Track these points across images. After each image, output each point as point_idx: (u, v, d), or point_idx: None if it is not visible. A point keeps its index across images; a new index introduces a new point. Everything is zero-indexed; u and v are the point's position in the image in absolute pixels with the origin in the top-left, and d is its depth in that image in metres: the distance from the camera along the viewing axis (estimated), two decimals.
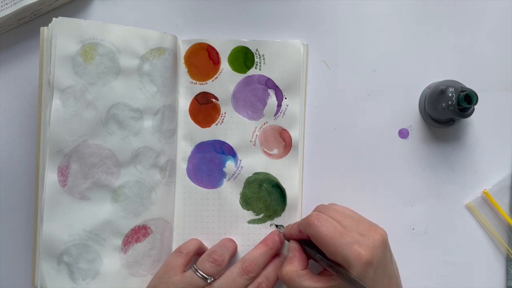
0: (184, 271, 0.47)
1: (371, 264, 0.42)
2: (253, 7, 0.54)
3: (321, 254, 0.45)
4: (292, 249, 0.47)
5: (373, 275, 0.42)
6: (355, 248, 0.42)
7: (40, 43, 0.48)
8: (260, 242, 0.50)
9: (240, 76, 0.53)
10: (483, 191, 0.53)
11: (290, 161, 0.52)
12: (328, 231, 0.43)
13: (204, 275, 0.46)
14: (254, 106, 0.53)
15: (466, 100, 0.48)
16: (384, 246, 0.44)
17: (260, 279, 0.47)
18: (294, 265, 0.46)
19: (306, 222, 0.45)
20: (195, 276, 0.46)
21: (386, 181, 0.53)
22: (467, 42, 0.54)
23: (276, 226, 0.51)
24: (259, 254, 0.48)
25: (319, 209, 0.49)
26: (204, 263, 0.47)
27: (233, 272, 0.47)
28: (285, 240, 0.50)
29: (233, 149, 0.52)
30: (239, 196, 0.52)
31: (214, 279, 0.46)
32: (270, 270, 0.49)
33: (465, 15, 0.54)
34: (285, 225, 0.51)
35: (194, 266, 0.47)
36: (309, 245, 0.46)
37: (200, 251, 0.50)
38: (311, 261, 0.47)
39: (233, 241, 0.51)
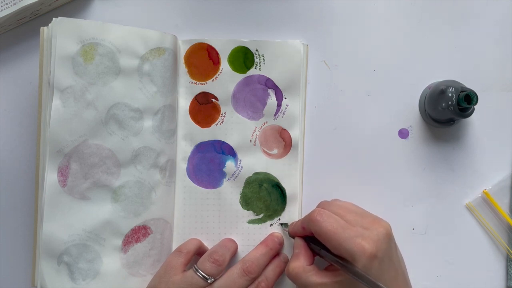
0: (185, 270, 0.47)
1: (376, 257, 0.42)
2: (253, 7, 0.54)
3: (326, 250, 0.45)
4: (298, 245, 0.48)
5: (379, 268, 0.42)
6: (358, 242, 0.42)
7: (40, 43, 0.48)
8: (260, 243, 0.50)
9: (240, 76, 0.53)
10: (483, 191, 0.53)
11: (290, 161, 0.52)
12: (331, 226, 0.43)
13: (205, 275, 0.46)
14: (254, 106, 0.53)
15: (466, 100, 0.48)
16: (389, 238, 0.44)
17: (262, 284, 0.47)
18: (300, 261, 0.46)
19: (308, 218, 0.45)
20: (196, 276, 0.46)
21: (386, 181, 0.53)
22: (467, 42, 0.54)
23: (281, 224, 0.51)
24: (260, 254, 0.48)
25: (322, 205, 0.49)
26: (205, 263, 0.47)
27: (234, 272, 0.47)
28: (290, 238, 0.50)
29: (233, 149, 0.52)
30: (239, 196, 0.52)
31: (215, 280, 0.46)
32: (269, 270, 0.49)
33: (465, 15, 0.54)
34: (289, 223, 0.51)
35: (195, 266, 0.47)
36: (314, 241, 0.47)
37: (200, 251, 0.50)
38: (317, 258, 0.47)
39: (234, 241, 0.51)
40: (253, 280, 0.47)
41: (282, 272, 0.50)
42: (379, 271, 0.42)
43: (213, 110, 0.53)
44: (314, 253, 0.47)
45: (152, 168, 0.49)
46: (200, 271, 0.46)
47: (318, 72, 0.54)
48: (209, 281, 0.46)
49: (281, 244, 0.51)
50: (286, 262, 0.50)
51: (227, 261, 0.48)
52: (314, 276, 0.44)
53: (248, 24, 0.54)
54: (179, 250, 0.49)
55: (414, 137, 0.53)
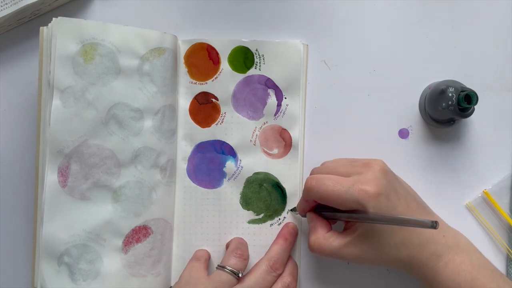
0: (208, 274, 0.47)
1: (380, 194, 0.43)
2: (253, 7, 0.54)
3: (337, 211, 0.45)
4: (310, 219, 0.48)
5: (388, 203, 0.43)
6: (359, 188, 0.43)
7: (40, 43, 0.48)
8: (279, 237, 0.51)
9: (240, 76, 0.53)
10: (483, 191, 0.53)
11: (290, 161, 0.52)
12: (328, 186, 0.44)
13: (234, 269, 0.46)
14: (254, 106, 0.53)
15: (466, 100, 0.48)
16: (385, 173, 0.45)
17: (288, 279, 0.48)
18: (318, 232, 0.46)
19: (305, 189, 0.46)
20: (224, 274, 0.46)
21: None
22: (467, 42, 0.54)
23: (291, 210, 0.52)
24: (282, 250, 0.49)
25: (313, 172, 0.49)
26: (230, 259, 0.47)
27: (262, 269, 0.47)
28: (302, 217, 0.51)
29: (233, 149, 0.52)
30: (239, 196, 0.52)
31: (243, 276, 0.47)
32: (291, 267, 0.49)
33: (465, 15, 0.54)
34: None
35: (219, 265, 0.47)
36: (323, 209, 0.47)
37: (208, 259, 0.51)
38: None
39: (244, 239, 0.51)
40: (278, 275, 0.48)
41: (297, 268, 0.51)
42: (390, 206, 0.43)
43: (213, 110, 0.53)
44: (329, 220, 0.47)
45: (153, 168, 0.49)
46: (228, 267, 0.46)
47: (318, 72, 0.54)
48: (240, 275, 0.46)
49: (297, 234, 0.51)
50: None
51: (248, 256, 0.49)
52: (337, 240, 0.45)
53: (248, 24, 0.54)
54: (196, 258, 0.49)
55: (414, 137, 0.53)
